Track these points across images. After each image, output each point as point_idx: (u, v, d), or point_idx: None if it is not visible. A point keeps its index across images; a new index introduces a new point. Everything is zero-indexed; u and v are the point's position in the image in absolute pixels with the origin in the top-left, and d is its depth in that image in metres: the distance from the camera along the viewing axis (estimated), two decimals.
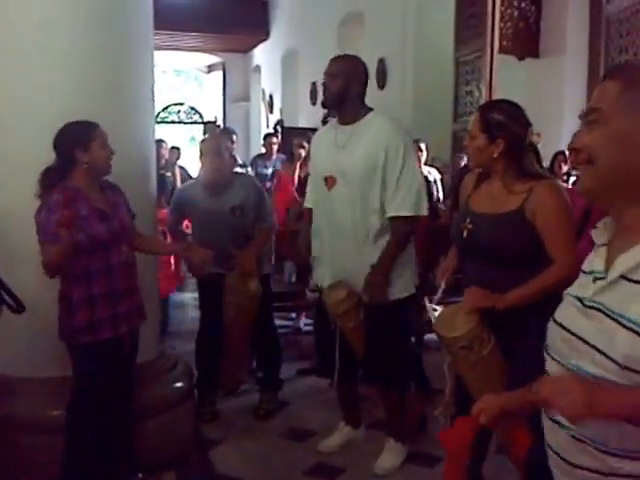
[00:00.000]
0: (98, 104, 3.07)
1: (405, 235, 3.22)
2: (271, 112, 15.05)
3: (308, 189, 3.55)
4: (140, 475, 3.17)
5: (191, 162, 11.29)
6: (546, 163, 4.39)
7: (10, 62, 3.04)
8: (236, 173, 4.40)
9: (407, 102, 9.40)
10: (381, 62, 9.81)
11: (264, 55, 15.68)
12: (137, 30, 3.34)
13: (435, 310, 2.73)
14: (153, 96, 3.52)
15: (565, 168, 6.33)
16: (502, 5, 7.95)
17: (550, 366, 1.41)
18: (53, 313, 2.88)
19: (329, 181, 3.24)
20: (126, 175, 3.05)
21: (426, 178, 4.94)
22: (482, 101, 7.81)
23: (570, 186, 5.30)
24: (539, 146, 2.75)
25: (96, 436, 2.91)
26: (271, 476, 3.41)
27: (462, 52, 8.24)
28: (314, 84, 12.57)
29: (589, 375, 1.27)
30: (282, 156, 7.60)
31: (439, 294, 2.81)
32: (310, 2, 12.49)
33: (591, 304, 1.30)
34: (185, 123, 18.22)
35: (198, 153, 3.98)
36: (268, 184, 6.70)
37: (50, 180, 2.77)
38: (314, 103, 12.58)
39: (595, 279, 1.32)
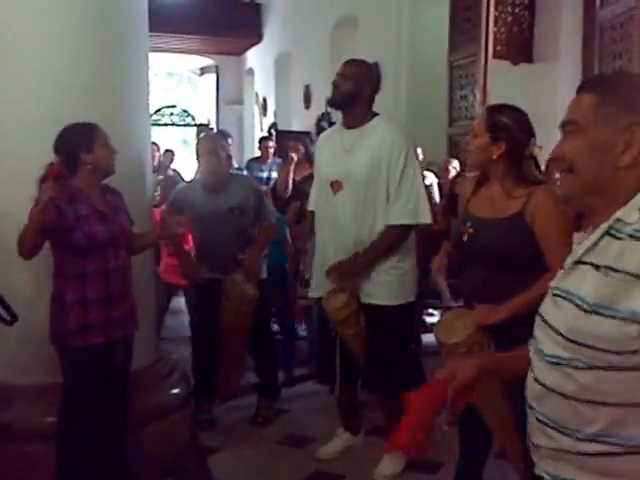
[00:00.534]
0: (93, 106, 3.06)
1: (394, 242, 3.21)
2: (264, 115, 15.03)
3: (312, 192, 3.54)
4: None
5: (184, 165, 11.32)
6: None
7: (5, 63, 3.02)
8: (233, 174, 4.39)
9: (401, 106, 9.41)
10: (375, 66, 9.80)
11: (257, 58, 15.66)
12: (132, 31, 3.33)
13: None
14: (148, 98, 3.51)
15: (558, 174, 6.35)
16: (496, 10, 7.99)
17: (532, 357, 1.48)
18: (46, 319, 2.84)
19: (335, 185, 3.24)
20: (122, 177, 3.02)
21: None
22: (477, 106, 7.84)
23: None
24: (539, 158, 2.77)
25: (88, 443, 2.86)
26: None
27: (457, 56, 8.26)
28: (308, 87, 12.56)
29: (548, 357, 1.37)
30: (278, 160, 7.58)
31: (445, 294, 2.83)
32: (303, 5, 12.48)
33: (556, 292, 1.42)
34: (178, 126, 18.16)
35: (194, 154, 3.97)
36: (264, 188, 6.67)
37: None
38: (308, 106, 12.57)
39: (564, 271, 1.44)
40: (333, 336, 3.30)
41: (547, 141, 2.71)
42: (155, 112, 16.97)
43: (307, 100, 12.63)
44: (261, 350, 4.16)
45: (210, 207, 3.82)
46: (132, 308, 2.98)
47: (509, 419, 2.57)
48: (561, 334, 1.33)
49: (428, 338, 4.71)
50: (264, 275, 4.07)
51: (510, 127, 2.54)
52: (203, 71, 17.70)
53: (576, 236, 1.49)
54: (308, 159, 6.75)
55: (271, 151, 7.52)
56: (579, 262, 1.37)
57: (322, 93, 11.58)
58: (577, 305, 1.31)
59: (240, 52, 16.33)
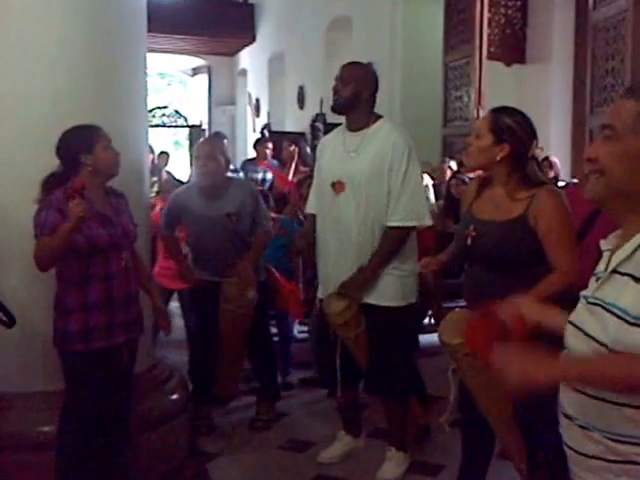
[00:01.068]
0: (91, 107, 3.04)
1: (397, 244, 3.22)
2: (257, 116, 15.02)
3: (311, 194, 3.54)
4: None
5: (175, 166, 11.27)
6: None
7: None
8: (232, 178, 4.36)
9: (395, 106, 9.43)
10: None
11: (250, 58, 15.65)
12: (131, 31, 3.30)
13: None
14: (147, 99, 3.49)
15: (552, 174, 6.38)
16: (489, 12, 8.02)
17: None
18: (43, 325, 2.82)
19: (337, 186, 3.24)
20: (121, 179, 2.98)
21: None
22: (471, 106, 7.88)
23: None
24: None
25: (87, 450, 2.82)
26: None
27: (451, 57, 8.30)
28: (301, 88, 12.57)
29: None
30: (273, 161, 7.57)
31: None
32: (297, 6, 12.49)
33: (593, 300, 1.42)
34: (169, 127, 18.13)
35: (193, 157, 3.94)
36: (259, 188, 6.67)
37: (52, 184, 2.73)
38: (301, 107, 12.58)
39: (597, 279, 1.44)
40: (333, 338, 3.30)
41: (539, 140, 2.75)
42: None
43: (301, 101, 12.63)
44: (260, 353, 4.14)
45: (208, 212, 3.80)
46: (137, 313, 2.95)
47: (511, 416, 2.58)
48: (604, 345, 1.34)
49: (426, 339, 4.70)
50: (262, 277, 4.06)
51: (514, 129, 2.56)
52: (195, 72, 17.68)
53: (603, 242, 1.49)
54: (303, 160, 6.78)
55: (268, 152, 7.50)
56: (615, 272, 1.38)
57: (316, 94, 11.61)
58: (619, 317, 1.31)
59: (233, 52, 16.32)
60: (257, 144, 7.91)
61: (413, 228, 3.22)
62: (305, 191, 5.56)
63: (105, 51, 3.14)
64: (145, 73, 3.48)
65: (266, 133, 12.01)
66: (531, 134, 2.61)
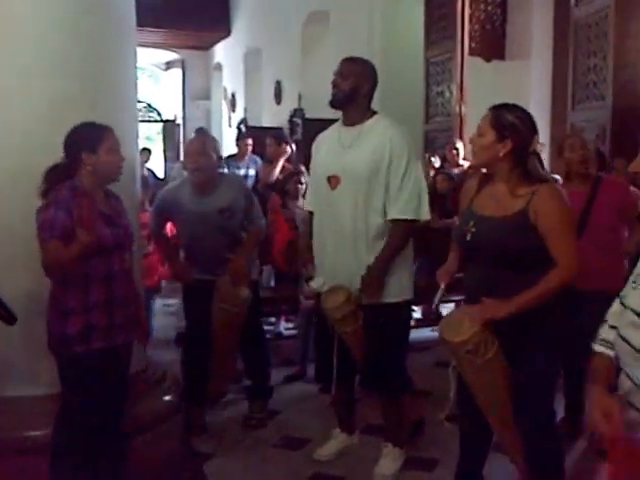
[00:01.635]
0: (83, 102, 2.98)
1: (403, 238, 3.22)
2: (233, 111, 14.92)
3: (309, 191, 3.53)
4: None
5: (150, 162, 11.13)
6: None
7: None
8: (223, 174, 4.33)
9: (375, 101, 9.39)
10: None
11: (226, 53, 15.52)
12: (121, 25, 3.24)
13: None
14: (137, 95, 3.44)
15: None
16: (470, 8, 8.05)
17: (622, 381, 1.54)
18: (35, 328, 2.75)
19: (333, 181, 3.23)
20: None
21: None
22: (453, 102, 7.90)
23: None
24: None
25: (84, 456, 2.76)
26: None
27: (432, 53, 8.31)
28: (279, 83, 12.49)
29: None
30: (255, 157, 7.51)
31: (439, 294, 2.86)
32: (273, 0, 12.39)
33: None
34: (142, 121, 17.93)
35: (183, 154, 3.90)
36: None
37: (55, 177, 2.67)
38: (279, 102, 12.51)
39: None
40: (331, 334, 3.28)
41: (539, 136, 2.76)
42: None
43: (278, 96, 12.56)
44: (252, 351, 4.11)
45: (200, 208, 3.75)
46: (135, 313, 2.90)
47: (509, 413, 2.59)
48: None
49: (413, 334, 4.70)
50: (255, 276, 4.02)
51: (516, 125, 2.57)
52: (169, 65, 17.51)
53: None
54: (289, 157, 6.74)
55: (250, 148, 7.44)
56: None
57: (293, 89, 11.56)
58: None
59: (208, 46, 16.18)
60: (239, 140, 7.83)
61: (414, 222, 3.21)
62: (291, 187, 5.55)
63: (95, 46, 3.07)
64: (135, 68, 3.42)
65: (243, 128, 11.94)
66: (532, 129, 2.62)
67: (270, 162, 6.59)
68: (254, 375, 4.18)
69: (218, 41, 15.52)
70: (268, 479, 3.42)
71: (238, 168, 7.13)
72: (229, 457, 3.62)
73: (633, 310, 1.47)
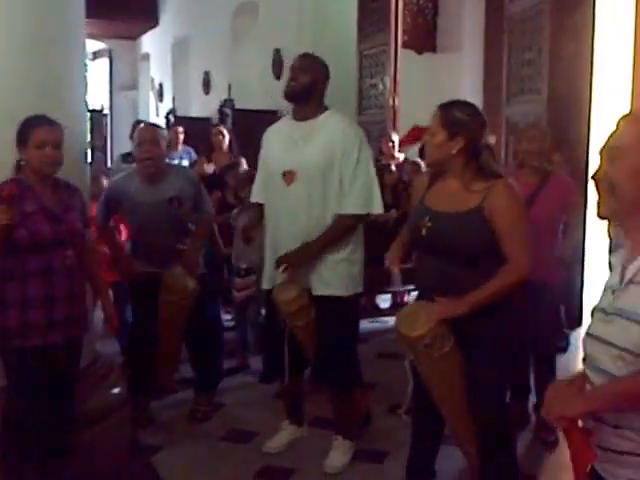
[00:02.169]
0: (32, 94, 2.94)
1: (349, 230, 3.22)
2: (161, 101, 14.67)
3: (256, 184, 3.49)
4: None
5: None
6: None
7: None
8: (170, 164, 4.27)
9: None
10: (277, 52, 9.72)
11: (153, 43, 15.23)
12: (69, 13, 3.22)
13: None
14: (87, 87, 3.35)
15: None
16: (402, 0, 8.12)
17: (589, 375, 1.57)
18: None
19: (288, 176, 3.21)
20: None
21: None
22: (387, 94, 7.96)
23: None
24: None
25: (30, 449, 2.73)
26: None
27: (365, 46, 8.33)
28: (207, 73, 12.36)
29: (608, 374, 1.48)
30: (189, 148, 7.40)
31: (398, 280, 2.88)
32: None
33: (612, 311, 1.51)
34: None
35: (135, 144, 3.82)
36: None
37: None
38: (207, 92, 12.38)
39: (613, 291, 1.54)
40: (282, 328, 3.26)
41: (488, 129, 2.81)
42: None
43: (206, 86, 12.42)
44: (198, 344, 4.05)
45: (149, 198, 3.69)
46: (80, 312, 2.86)
47: (463, 404, 2.63)
48: (626, 349, 1.45)
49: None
50: (202, 269, 3.96)
51: (465, 121, 2.58)
52: (95, 55, 17.07)
53: (612, 257, 1.63)
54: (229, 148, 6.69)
55: (181, 138, 7.33)
56: (631, 282, 1.49)
57: (223, 79, 11.44)
58: None
59: (135, 36, 15.85)
60: (169, 129, 7.71)
61: (365, 216, 3.22)
62: (230, 179, 5.50)
63: (42, 35, 3.01)
64: (84, 56, 3.36)
65: (172, 118, 11.75)
66: (482, 123, 2.62)
67: (212, 151, 6.52)
68: (199, 367, 4.12)
69: (146, 31, 15.20)
70: (218, 472, 3.38)
71: (171, 159, 7.01)
72: (177, 450, 3.58)
73: (602, 310, 1.55)
